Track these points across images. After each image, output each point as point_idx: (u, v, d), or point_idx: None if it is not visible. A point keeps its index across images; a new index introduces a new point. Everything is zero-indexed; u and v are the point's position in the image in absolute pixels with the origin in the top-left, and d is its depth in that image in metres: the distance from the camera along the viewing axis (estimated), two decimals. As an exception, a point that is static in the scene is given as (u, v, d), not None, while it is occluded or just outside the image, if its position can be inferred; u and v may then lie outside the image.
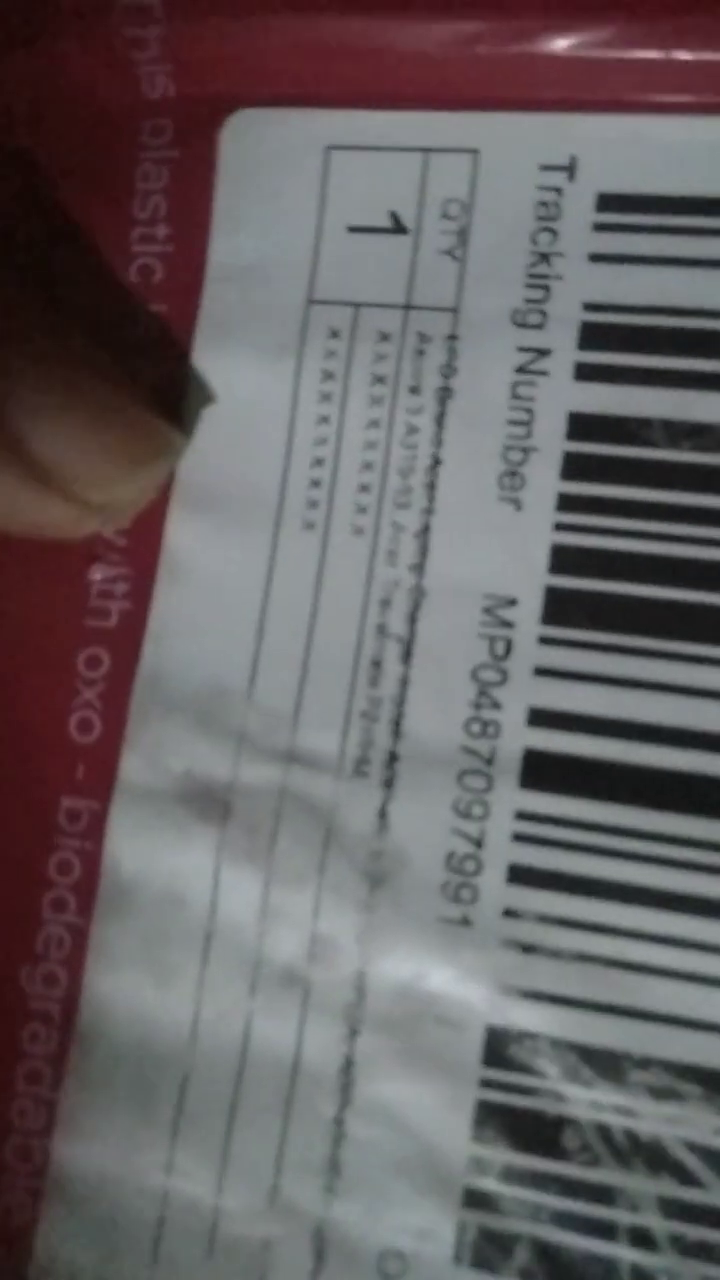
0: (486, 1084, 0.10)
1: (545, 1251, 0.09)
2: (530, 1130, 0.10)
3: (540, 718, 0.10)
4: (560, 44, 0.10)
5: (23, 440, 0.09)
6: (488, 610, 0.10)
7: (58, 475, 0.09)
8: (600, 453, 0.10)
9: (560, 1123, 0.10)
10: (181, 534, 0.11)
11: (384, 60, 0.10)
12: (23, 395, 0.09)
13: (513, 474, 0.10)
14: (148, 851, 0.10)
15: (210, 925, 0.10)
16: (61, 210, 0.11)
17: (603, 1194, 0.09)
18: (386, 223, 0.11)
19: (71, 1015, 0.10)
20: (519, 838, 0.10)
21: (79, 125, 0.11)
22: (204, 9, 0.11)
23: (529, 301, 0.10)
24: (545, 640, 0.10)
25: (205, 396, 0.11)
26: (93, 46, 0.11)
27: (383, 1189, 0.10)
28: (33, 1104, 0.11)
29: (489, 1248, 0.10)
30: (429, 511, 0.10)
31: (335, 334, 0.11)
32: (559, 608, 0.10)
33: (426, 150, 0.10)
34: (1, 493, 0.09)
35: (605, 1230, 0.09)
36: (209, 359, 0.11)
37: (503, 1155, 0.10)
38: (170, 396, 0.11)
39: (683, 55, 0.10)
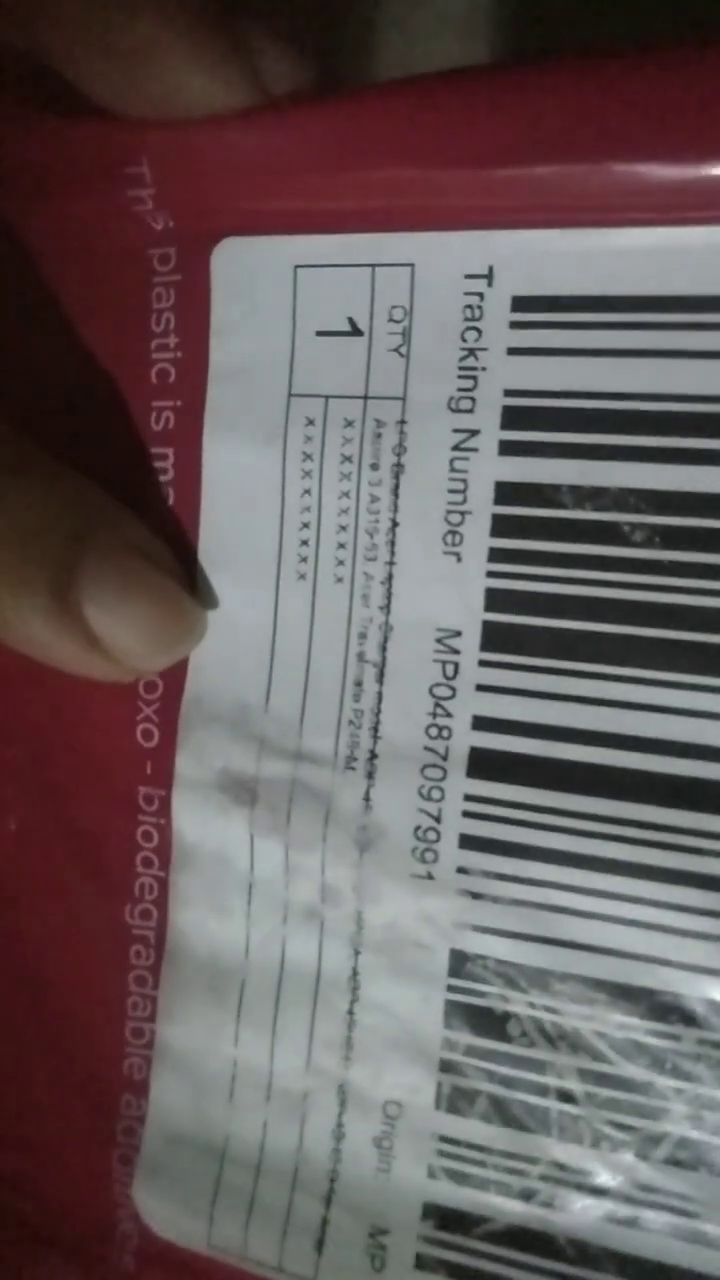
0: (452, 989, 0.13)
1: (498, 1102, 0.13)
2: (484, 1021, 0.13)
3: (482, 723, 0.13)
4: (476, 175, 0.12)
5: (85, 619, 0.12)
6: (439, 641, 0.13)
7: (110, 648, 0.12)
8: (521, 514, 0.12)
9: (506, 1016, 0.13)
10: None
11: (333, 196, 0.12)
12: (90, 582, 0.12)
13: (453, 533, 0.13)
14: (201, 825, 0.14)
15: (251, 877, 0.14)
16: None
17: (537, 1066, 0.13)
18: (345, 327, 0.13)
19: (162, 939, 0.15)
20: (467, 814, 0.13)
21: (107, 260, 0.14)
22: (181, 177, 0.13)
23: (461, 390, 0.13)
24: (484, 663, 0.13)
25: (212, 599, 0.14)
26: (105, 201, 0.13)
27: (383, 1059, 0.14)
28: (140, 999, 0.15)
29: (459, 1099, 0.13)
30: (391, 563, 0.13)
31: (310, 422, 0.13)
32: (493, 638, 0.13)
33: (373, 265, 0.13)
34: (60, 653, 0.12)
35: (539, 1090, 0.13)
36: (216, 445, 0.14)
37: (466, 1038, 0.13)
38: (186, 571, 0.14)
39: (578, 178, 0.12)
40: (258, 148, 0.12)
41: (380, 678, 0.13)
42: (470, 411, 0.12)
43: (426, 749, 0.13)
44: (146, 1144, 0.15)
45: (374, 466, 0.13)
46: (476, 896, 0.13)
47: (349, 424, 0.13)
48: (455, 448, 0.13)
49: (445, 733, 0.13)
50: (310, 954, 0.14)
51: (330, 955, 0.14)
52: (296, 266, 0.13)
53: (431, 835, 0.13)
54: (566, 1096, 0.13)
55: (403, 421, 0.13)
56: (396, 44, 0.16)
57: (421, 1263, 0.14)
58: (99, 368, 0.14)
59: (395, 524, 0.13)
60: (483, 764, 0.13)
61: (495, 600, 0.13)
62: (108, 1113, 0.15)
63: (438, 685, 0.13)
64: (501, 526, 0.12)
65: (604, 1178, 0.13)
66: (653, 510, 0.12)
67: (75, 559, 0.12)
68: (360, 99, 0.12)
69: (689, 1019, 0.12)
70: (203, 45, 0.12)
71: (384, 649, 0.13)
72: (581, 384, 0.12)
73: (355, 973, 0.14)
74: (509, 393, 0.12)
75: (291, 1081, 0.14)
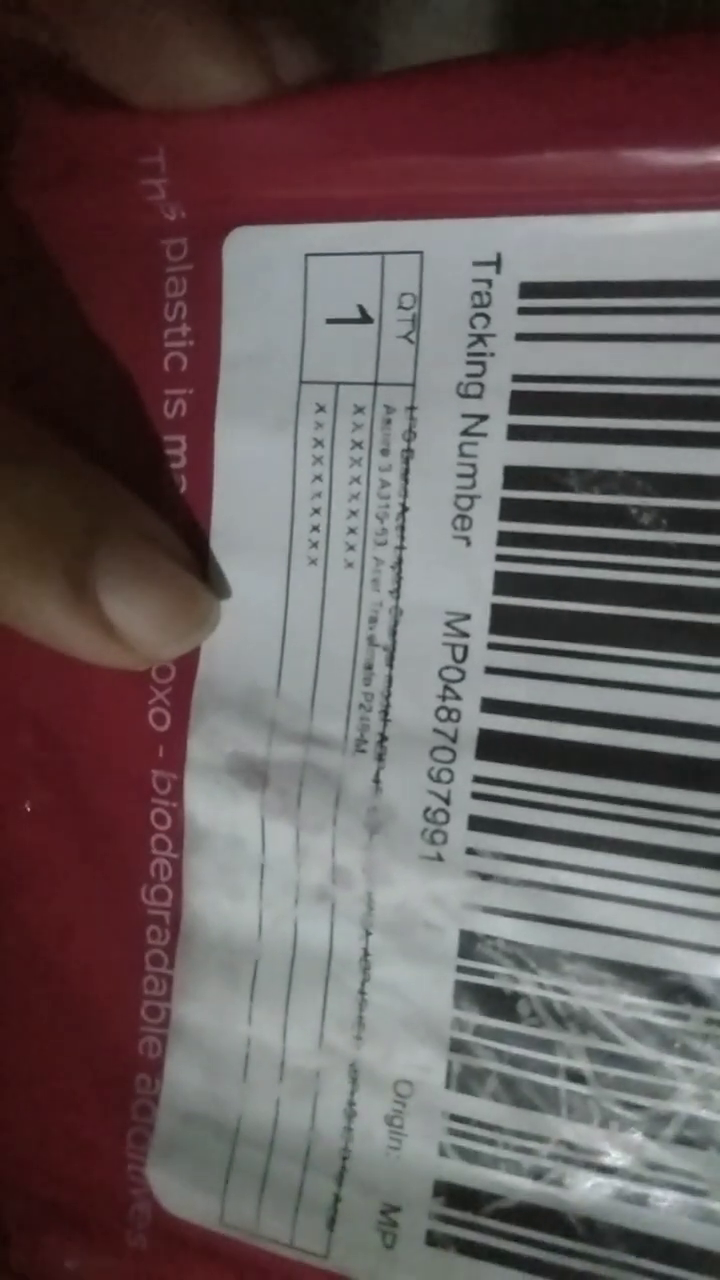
0: (462, 969, 0.13)
1: (508, 1082, 0.13)
2: (494, 1002, 0.13)
3: (491, 705, 0.13)
4: (484, 163, 0.12)
5: (101, 608, 0.12)
6: (449, 624, 0.13)
7: (126, 637, 0.13)
8: (529, 498, 0.13)
9: (515, 996, 0.13)
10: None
11: (343, 185, 0.13)
12: (105, 571, 0.12)
13: (463, 517, 0.13)
14: (213, 808, 0.14)
15: (263, 859, 0.14)
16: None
17: (546, 1045, 0.13)
18: (355, 314, 0.13)
19: (178, 919, 0.15)
20: (476, 796, 0.13)
21: (121, 250, 0.14)
22: (195, 167, 0.13)
23: (470, 375, 0.13)
24: (493, 646, 0.13)
25: (225, 588, 0.14)
26: (120, 191, 0.13)
27: (394, 1038, 0.14)
28: (156, 978, 0.15)
29: (469, 1078, 0.13)
30: (401, 548, 0.13)
31: (321, 408, 0.13)
32: (502, 621, 0.13)
33: (382, 253, 0.13)
34: (76, 641, 0.13)
35: (549, 1070, 0.13)
36: (228, 432, 0.14)
37: (476, 1018, 0.13)
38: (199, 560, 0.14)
39: (585, 164, 0.12)
40: (269, 137, 0.13)
41: (390, 661, 0.13)
42: (479, 397, 0.13)
43: (436, 731, 0.13)
44: (161, 1122, 0.15)
45: (384, 452, 0.13)
46: (485, 877, 0.13)
47: (359, 410, 0.13)
48: (464, 433, 0.13)
49: (454, 715, 0.13)
50: (322, 935, 0.14)
51: (341, 936, 0.14)
52: (307, 255, 0.13)
53: (441, 817, 0.13)
54: (576, 1076, 0.13)
55: (412, 407, 0.13)
56: (396, 44, 0.16)
57: (432, 1239, 0.14)
58: (112, 357, 0.14)
59: (405, 509, 0.13)
60: (491, 746, 0.13)
61: (504, 583, 0.13)
62: (123, 1091, 0.16)
63: (447, 668, 0.13)
64: (510, 510, 0.13)
65: (613, 1156, 0.13)
66: (660, 493, 0.12)
67: (91, 548, 0.12)
68: (369, 88, 0.12)
69: (697, 998, 0.12)
70: (218, 37, 0.12)
71: (394, 633, 0.13)
72: (589, 369, 0.12)
73: (366, 953, 0.14)
74: (517, 378, 0.12)
75: (304, 1060, 0.14)
